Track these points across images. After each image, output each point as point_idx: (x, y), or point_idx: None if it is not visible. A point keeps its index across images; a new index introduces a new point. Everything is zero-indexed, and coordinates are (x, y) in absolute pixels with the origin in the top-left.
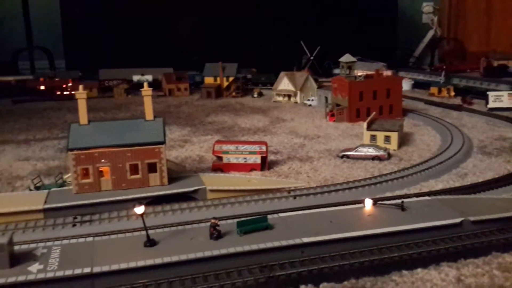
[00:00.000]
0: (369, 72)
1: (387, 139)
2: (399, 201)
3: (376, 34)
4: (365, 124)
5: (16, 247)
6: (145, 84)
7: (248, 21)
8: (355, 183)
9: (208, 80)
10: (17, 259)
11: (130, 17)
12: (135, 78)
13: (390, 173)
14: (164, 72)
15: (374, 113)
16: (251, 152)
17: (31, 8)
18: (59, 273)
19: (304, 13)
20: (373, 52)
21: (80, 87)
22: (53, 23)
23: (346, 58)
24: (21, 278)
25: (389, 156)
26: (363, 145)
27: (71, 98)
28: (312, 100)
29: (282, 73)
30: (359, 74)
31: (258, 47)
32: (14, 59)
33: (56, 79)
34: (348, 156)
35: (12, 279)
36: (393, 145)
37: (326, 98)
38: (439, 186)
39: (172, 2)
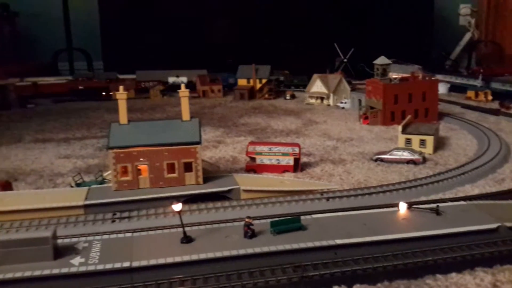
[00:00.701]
0: (404, 75)
1: (422, 142)
2: (434, 205)
3: (411, 36)
4: (400, 127)
5: (59, 241)
6: (182, 86)
7: (282, 23)
8: (389, 187)
9: (241, 82)
10: (60, 252)
11: (166, 19)
12: (170, 79)
13: (425, 177)
14: (198, 74)
15: (409, 116)
16: (284, 154)
17: (71, 11)
18: (100, 267)
19: (338, 15)
20: (408, 55)
21: (121, 88)
22: (91, 26)
23: (381, 60)
24: (64, 270)
25: (424, 160)
26: (397, 149)
27: (109, 98)
28: (345, 102)
29: (315, 75)
30: (394, 76)
31: (291, 49)
32: (54, 60)
33: (95, 80)
34: (382, 160)
35: (55, 271)
36: (428, 149)
37: (360, 101)
38: (475, 191)
39: (207, 5)
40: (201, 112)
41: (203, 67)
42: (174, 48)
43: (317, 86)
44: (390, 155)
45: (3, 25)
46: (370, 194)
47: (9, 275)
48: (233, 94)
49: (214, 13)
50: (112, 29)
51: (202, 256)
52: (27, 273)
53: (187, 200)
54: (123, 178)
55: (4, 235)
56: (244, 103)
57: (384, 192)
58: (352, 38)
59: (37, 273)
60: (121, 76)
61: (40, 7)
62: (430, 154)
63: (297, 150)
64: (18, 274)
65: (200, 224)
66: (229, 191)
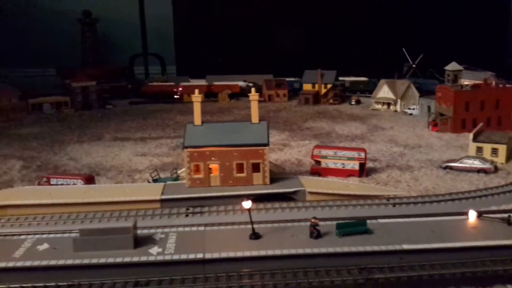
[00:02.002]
0: (476, 82)
1: (494, 151)
2: (505, 215)
3: (484, 41)
4: (471, 135)
5: (138, 232)
6: (253, 90)
7: (348, 28)
8: (458, 195)
9: (307, 86)
10: (140, 242)
11: (235, 25)
12: (238, 84)
13: (497, 187)
14: (264, 78)
15: (481, 124)
16: (349, 158)
17: (147, 18)
18: (175, 257)
19: (406, 19)
20: (481, 61)
21: (196, 91)
22: (166, 32)
23: (452, 66)
24: (143, 258)
25: (496, 169)
26: (468, 157)
27: (181, 101)
28: (414, 109)
29: (382, 81)
30: (465, 83)
31: (358, 54)
32: (130, 64)
33: (168, 84)
34: (451, 168)
35: (135, 259)
36: (500, 158)
37: (429, 107)
38: None
39: (274, 10)
40: (266, 116)
41: (270, 72)
42: (242, 53)
43: (384, 91)
44: (460, 163)
45: (85, 31)
46: (438, 201)
47: (94, 261)
48: (298, 99)
49: (282, 19)
50: (185, 35)
51: (270, 252)
52: (110, 260)
53: (254, 199)
54: (196, 176)
55: (88, 224)
56: (308, 108)
57: (453, 200)
58: (421, 42)
59: (118, 259)
60: (192, 80)
61: (119, 14)
62: (502, 163)
63: (363, 155)
64: (102, 260)
65: (267, 222)
66: (295, 192)
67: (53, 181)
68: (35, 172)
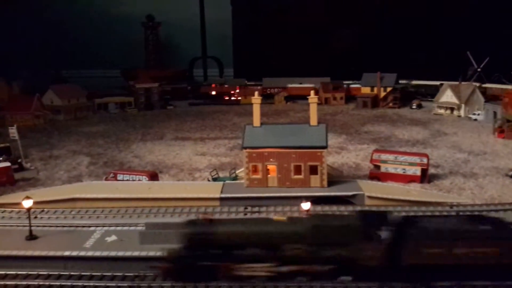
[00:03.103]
0: None
1: None
2: None
3: None
4: None
5: None
6: (312, 92)
7: (409, 31)
8: None
9: (365, 90)
10: None
11: (293, 29)
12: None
13: None
14: (321, 81)
15: None
16: (410, 164)
17: (207, 22)
18: None
19: (471, 21)
20: None
21: (256, 93)
22: (224, 36)
23: None
24: None
25: None
26: None
27: (238, 103)
28: (478, 114)
29: (445, 85)
30: None
31: (419, 58)
32: (190, 67)
33: (225, 86)
34: None
35: None
36: None
37: (495, 113)
38: None
39: (332, 12)
40: (323, 119)
41: (327, 75)
42: (299, 56)
43: (447, 96)
44: None
45: (148, 34)
46: (505, 210)
47: (159, 253)
48: (356, 102)
49: (340, 20)
50: (243, 39)
51: None
52: None
53: (312, 201)
54: (254, 176)
55: (153, 218)
56: (366, 111)
57: None
58: (487, 46)
59: None
60: (249, 83)
61: (180, 18)
62: None
63: (425, 160)
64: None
65: None
66: (354, 196)
67: (119, 176)
68: (101, 168)
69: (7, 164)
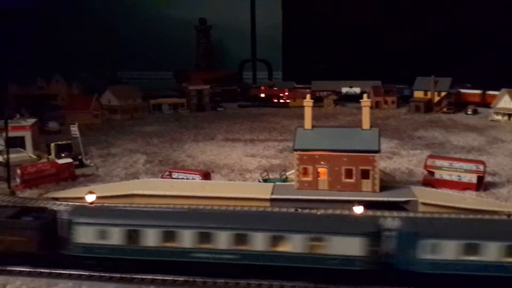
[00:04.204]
0: None
1: None
2: None
3: None
4: None
5: None
6: (365, 96)
7: (465, 34)
8: None
9: (418, 94)
10: None
11: (344, 31)
12: (344, 90)
13: None
14: (372, 84)
15: None
16: (466, 170)
17: (257, 25)
18: None
19: None
20: None
21: (307, 96)
22: (274, 38)
23: None
24: None
25: None
26: None
27: (287, 105)
28: None
29: (502, 90)
30: None
31: (475, 61)
32: (240, 69)
33: (274, 88)
34: None
35: None
36: None
37: None
38: None
39: (383, 13)
40: (374, 123)
41: (378, 78)
42: (349, 59)
43: (505, 101)
44: None
45: (200, 37)
46: None
47: None
48: (408, 106)
49: (391, 22)
50: (293, 41)
51: None
52: None
53: (364, 206)
54: (304, 178)
55: None
56: (419, 116)
57: None
58: None
59: None
60: (297, 85)
61: (231, 22)
62: None
63: (481, 167)
64: None
65: None
66: (407, 202)
67: (174, 175)
68: (157, 166)
69: (69, 160)
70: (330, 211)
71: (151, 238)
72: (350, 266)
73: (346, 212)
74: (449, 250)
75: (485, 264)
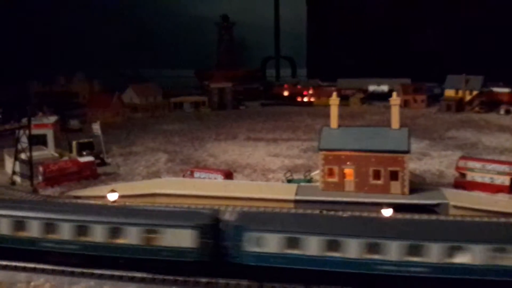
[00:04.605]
0: None
1: None
2: None
3: None
4: None
5: None
6: (394, 94)
7: (498, 31)
8: None
9: (449, 93)
10: None
11: (370, 29)
12: (371, 88)
13: None
14: (400, 82)
15: None
16: (499, 173)
17: (281, 22)
18: None
19: None
20: None
21: (334, 94)
22: (298, 35)
23: None
24: None
25: None
26: None
27: (311, 104)
28: None
29: None
30: None
31: (508, 59)
32: (262, 67)
33: (298, 87)
34: None
35: None
36: None
37: None
38: None
39: (413, 8)
40: (402, 123)
41: (407, 76)
42: (376, 56)
43: None
44: None
45: (223, 34)
46: None
47: None
48: (438, 105)
49: (421, 17)
50: (317, 38)
51: None
52: None
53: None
54: (330, 179)
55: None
56: (450, 116)
57: None
58: None
59: None
60: (322, 84)
61: (254, 18)
62: None
63: None
64: None
65: None
66: (437, 205)
67: (196, 174)
68: (178, 165)
69: (91, 158)
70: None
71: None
72: (182, 257)
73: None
74: (272, 244)
75: (308, 258)
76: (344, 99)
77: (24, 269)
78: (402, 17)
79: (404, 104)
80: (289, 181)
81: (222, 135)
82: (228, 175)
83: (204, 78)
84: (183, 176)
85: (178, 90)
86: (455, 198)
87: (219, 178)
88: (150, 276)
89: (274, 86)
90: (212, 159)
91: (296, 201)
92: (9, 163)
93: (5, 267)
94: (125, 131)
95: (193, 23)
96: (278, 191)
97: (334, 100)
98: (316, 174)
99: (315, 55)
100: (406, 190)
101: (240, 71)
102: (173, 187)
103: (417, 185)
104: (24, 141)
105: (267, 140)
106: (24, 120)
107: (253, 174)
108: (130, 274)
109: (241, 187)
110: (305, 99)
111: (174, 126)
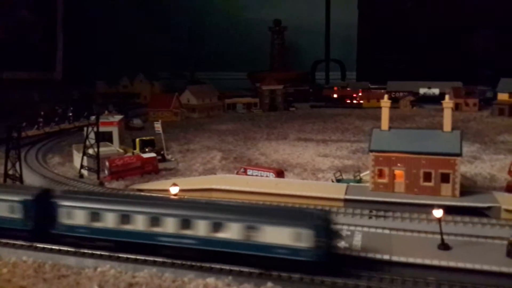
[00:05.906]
0: None
1: None
2: None
3: None
4: None
5: None
6: (447, 97)
7: None
8: None
9: (502, 96)
10: None
11: (420, 32)
12: (422, 91)
13: None
14: (452, 86)
15: None
16: None
17: (331, 25)
18: (362, 254)
19: None
20: None
21: (385, 96)
22: (349, 39)
23: None
24: None
25: None
26: None
27: (360, 106)
28: None
29: None
30: None
31: None
32: (312, 69)
33: (348, 89)
34: None
35: None
36: None
37: None
38: None
39: (464, 10)
40: (454, 126)
41: (458, 79)
42: (427, 59)
43: None
44: None
45: (275, 38)
46: None
47: None
48: (491, 109)
49: (473, 19)
50: (368, 41)
51: (460, 264)
52: None
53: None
54: (380, 180)
55: None
56: (503, 120)
57: None
58: None
59: None
60: (372, 86)
61: (305, 22)
62: None
63: None
64: None
65: (456, 235)
66: (489, 208)
67: (249, 172)
68: (232, 163)
69: (153, 154)
70: None
71: None
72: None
73: None
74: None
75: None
76: (394, 101)
77: (92, 256)
78: (454, 19)
79: (456, 108)
80: (339, 180)
81: (273, 135)
82: (280, 174)
83: (257, 80)
84: (237, 173)
85: (232, 91)
86: (507, 201)
87: (271, 176)
88: (207, 265)
89: (323, 89)
90: (264, 158)
91: (345, 200)
92: (77, 158)
93: (75, 253)
94: (183, 130)
95: (248, 27)
96: (328, 190)
97: (386, 102)
98: (365, 174)
99: (365, 58)
100: (457, 192)
101: (291, 74)
102: (228, 183)
103: (468, 188)
104: (92, 138)
105: (316, 140)
106: (92, 118)
107: (303, 173)
108: (189, 262)
109: (292, 185)
110: (354, 101)
111: (228, 126)
